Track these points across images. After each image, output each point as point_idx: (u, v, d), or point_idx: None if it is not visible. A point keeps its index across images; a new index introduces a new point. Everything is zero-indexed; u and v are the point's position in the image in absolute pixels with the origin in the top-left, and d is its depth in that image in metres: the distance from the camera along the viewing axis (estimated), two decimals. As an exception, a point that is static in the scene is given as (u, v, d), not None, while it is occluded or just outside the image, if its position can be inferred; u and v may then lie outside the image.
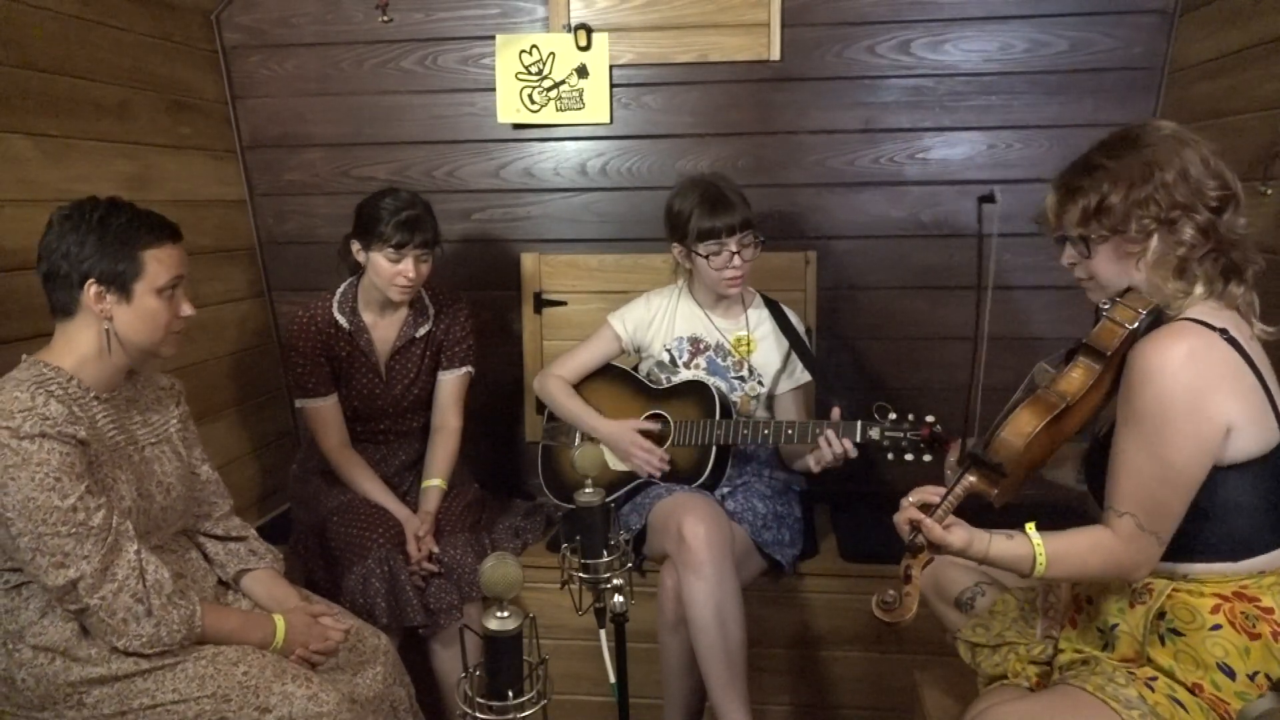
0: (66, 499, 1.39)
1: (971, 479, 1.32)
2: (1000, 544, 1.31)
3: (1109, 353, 1.31)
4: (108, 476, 1.50)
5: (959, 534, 1.30)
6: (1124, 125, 1.41)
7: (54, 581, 1.41)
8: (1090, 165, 1.37)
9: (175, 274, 1.53)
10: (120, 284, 1.48)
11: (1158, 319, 1.32)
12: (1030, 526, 1.31)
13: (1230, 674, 1.29)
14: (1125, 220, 1.32)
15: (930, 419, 1.85)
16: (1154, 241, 1.32)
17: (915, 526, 1.30)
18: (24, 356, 1.50)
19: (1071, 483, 1.67)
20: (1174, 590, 1.34)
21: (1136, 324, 1.31)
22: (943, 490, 1.35)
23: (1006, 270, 2.51)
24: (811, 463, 1.96)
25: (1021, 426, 1.30)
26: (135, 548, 1.47)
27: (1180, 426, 1.25)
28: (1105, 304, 1.35)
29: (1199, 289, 1.33)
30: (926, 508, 1.33)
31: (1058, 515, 1.40)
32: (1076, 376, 1.33)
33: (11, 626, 1.50)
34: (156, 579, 1.48)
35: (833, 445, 1.90)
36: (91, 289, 1.47)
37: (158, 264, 1.51)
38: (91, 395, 1.51)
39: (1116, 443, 1.32)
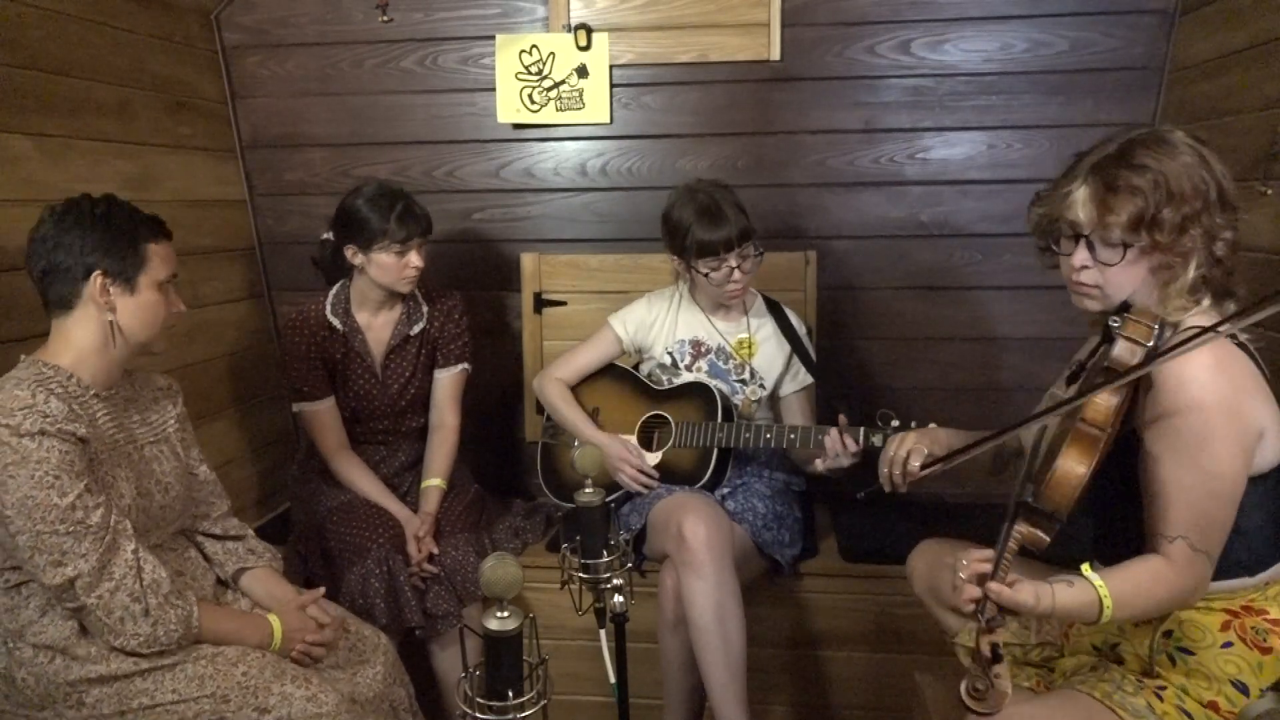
0: (65, 497, 1.39)
1: (1022, 530, 1.22)
2: (1064, 593, 1.20)
3: (1127, 373, 1.23)
4: (108, 474, 1.50)
5: (1026, 591, 1.17)
6: (1131, 124, 1.32)
7: (52, 580, 1.41)
8: (1133, 162, 1.27)
9: (172, 270, 1.58)
10: (126, 276, 1.51)
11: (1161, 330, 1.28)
12: (1086, 568, 1.23)
13: (1244, 690, 1.27)
14: (1176, 235, 1.25)
15: (933, 426, 1.84)
16: (1193, 260, 1.26)
17: (980, 601, 1.17)
18: (22, 357, 1.50)
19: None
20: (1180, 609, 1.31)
21: (1153, 340, 1.25)
22: (989, 552, 1.22)
23: (1006, 271, 2.52)
24: (818, 464, 1.95)
25: (1074, 468, 1.20)
26: (133, 546, 1.47)
27: (1223, 435, 1.21)
28: (1115, 321, 1.28)
29: (1205, 302, 1.29)
30: (981, 577, 1.20)
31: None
32: (1103, 402, 1.23)
33: (12, 625, 1.50)
34: (154, 578, 1.48)
35: (836, 444, 1.89)
36: (98, 280, 1.48)
37: (159, 258, 1.54)
38: (91, 393, 1.51)
39: (1151, 467, 1.26)
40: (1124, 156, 1.28)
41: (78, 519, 1.40)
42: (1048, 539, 1.22)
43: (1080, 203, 1.31)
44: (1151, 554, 1.26)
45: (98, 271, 1.48)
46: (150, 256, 1.53)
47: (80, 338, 1.50)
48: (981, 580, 1.19)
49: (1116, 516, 1.37)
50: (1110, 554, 1.33)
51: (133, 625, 1.46)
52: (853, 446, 1.88)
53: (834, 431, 1.90)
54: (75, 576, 1.41)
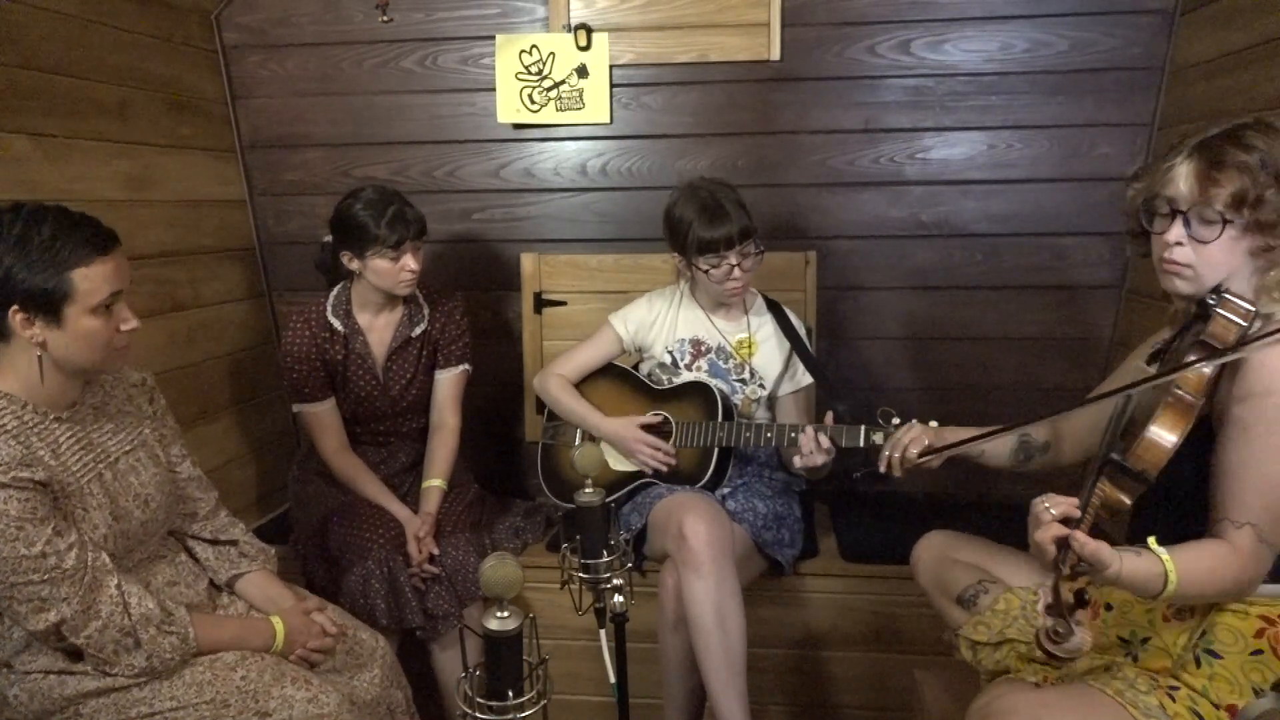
0: (33, 546, 1.33)
1: (1105, 489, 1.22)
2: (1131, 561, 1.17)
3: (1228, 350, 1.24)
4: (76, 508, 1.43)
5: (1106, 549, 1.15)
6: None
7: (36, 626, 1.37)
8: (1241, 141, 1.25)
9: (112, 290, 1.39)
10: (47, 308, 1.34)
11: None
12: (1153, 541, 1.21)
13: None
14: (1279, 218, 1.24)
15: (934, 424, 1.84)
16: None
17: (1064, 543, 1.15)
18: None
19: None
20: (1219, 610, 1.30)
21: (1249, 323, 1.25)
22: (1071, 499, 1.21)
23: (1006, 270, 2.52)
24: (795, 460, 1.96)
25: (1169, 430, 1.21)
26: (116, 581, 1.42)
27: None
28: (1212, 299, 1.27)
29: None
30: (1066, 522, 1.19)
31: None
32: (1196, 375, 1.23)
33: None
34: (142, 612, 1.44)
35: (810, 441, 1.90)
36: (16, 316, 1.34)
37: (89, 282, 1.35)
38: (51, 418, 1.43)
39: (1231, 450, 1.25)
40: (1232, 136, 1.27)
41: (51, 565, 1.35)
42: (1129, 501, 1.21)
43: (1183, 177, 1.28)
44: (1213, 538, 1.25)
45: (14, 306, 1.33)
46: (77, 284, 1.34)
47: (22, 367, 1.39)
48: (1066, 523, 1.17)
49: (1159, 493, 1.34)
50: (1143, 530, 1.31)
51: (128, 657, 1.43)
52: (825, 444, 1.89)
53: (809, 429, 1.90)
54: (60, 621, 1.37)
